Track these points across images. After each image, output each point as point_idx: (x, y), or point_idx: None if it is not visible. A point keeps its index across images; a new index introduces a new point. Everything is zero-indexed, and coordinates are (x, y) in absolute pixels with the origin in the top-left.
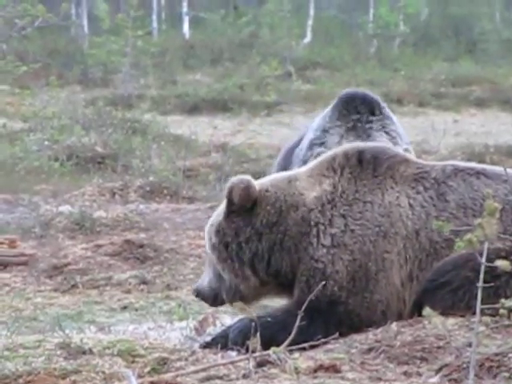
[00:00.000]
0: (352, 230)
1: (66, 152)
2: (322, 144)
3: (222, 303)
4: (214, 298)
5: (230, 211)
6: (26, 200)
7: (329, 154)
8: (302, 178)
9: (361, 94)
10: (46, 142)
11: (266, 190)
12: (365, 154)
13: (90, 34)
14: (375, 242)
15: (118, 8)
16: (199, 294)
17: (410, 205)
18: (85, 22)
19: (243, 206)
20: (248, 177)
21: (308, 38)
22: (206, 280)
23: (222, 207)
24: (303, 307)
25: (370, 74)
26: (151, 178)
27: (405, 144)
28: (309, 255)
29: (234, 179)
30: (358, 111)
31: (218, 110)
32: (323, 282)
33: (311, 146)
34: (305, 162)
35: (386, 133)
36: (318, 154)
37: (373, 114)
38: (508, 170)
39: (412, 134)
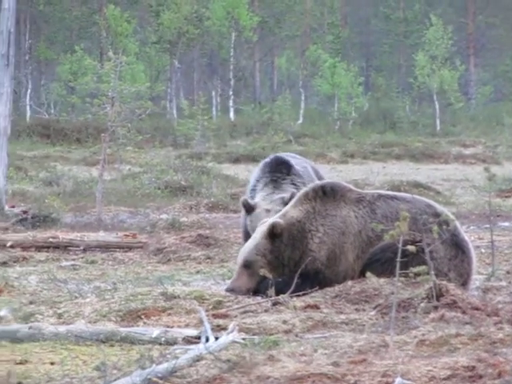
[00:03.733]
0: (327, 233)
1: (165, 184)
2: (254, 190)
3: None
4: (245, 293)
5: (273, 239)
6: (142, 211)
7: (302, 191)
8: (290, 209)
9: (275, 158)
10: (153, 179)
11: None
12: (326, 187)
13: (177, 118)
14: (339, 238)
15: (193, 103)
16: (233, 291)
17: (356, 216)
18: (174, 111)
19: (279, 235)
20: (279, 220)
21: (300, 120)
22: (237, 283)
23: (256, 241)
24: (297, 273)
25: (335, 140)
26: (212, 199)
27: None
28: (308, 248)
29: (274, 222)
30: (274, 170)
31: (249, 161)
32: (309, 258)
33: (251, 191)
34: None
35: (293, 183)
36: (251, 198)
37: (288, 174)
38: (414, 195)
39: (359, 174)
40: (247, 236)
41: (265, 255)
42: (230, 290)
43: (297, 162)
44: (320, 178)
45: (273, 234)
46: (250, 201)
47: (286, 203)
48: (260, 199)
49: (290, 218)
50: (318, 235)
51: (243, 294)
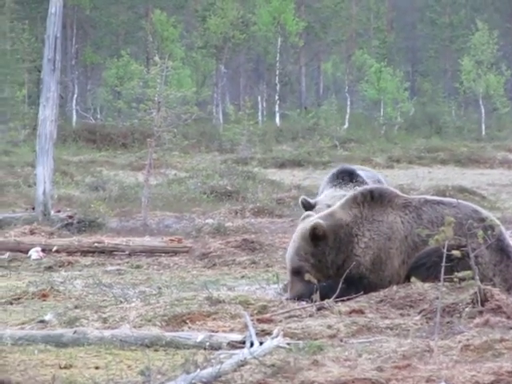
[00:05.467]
0: (373, 238)
1: (210, 189)
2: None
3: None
4: (309, 296)
5: (315, 241)
6: (187, 216)
7: (350, 194)
8: (338, 211)
9: (342, 169)
10: (199, 184)
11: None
12: (374, 192)
13: (223, 123)
14: (385, 243)
15: (239, 108)
16: (299, 298)
17: (402, 222)
18: (220, 116)
19: (322, 237)
20: (321, 221)
21: (346, 125)
22: (298, 290)
23: (296, 244)
24: (342, 278)
25: (381, 145)
26: (258, 204)
27: None
28: (353, 253)
29: (315, 223)
30: (343, 178)
31: (295, 166)
32: (353, 263)
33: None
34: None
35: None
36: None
37: (351, 181)
38: (459, 200)
39: (405, 179)
40: None
41: (307, 259)
42: (295, 298)
43: (364, 173)
44: None
45: (314, 235)
46: (308, 199)
47: None
48: (322, 197)
49: (338, 220)
50: (364, 240)
51: (306, 297)
